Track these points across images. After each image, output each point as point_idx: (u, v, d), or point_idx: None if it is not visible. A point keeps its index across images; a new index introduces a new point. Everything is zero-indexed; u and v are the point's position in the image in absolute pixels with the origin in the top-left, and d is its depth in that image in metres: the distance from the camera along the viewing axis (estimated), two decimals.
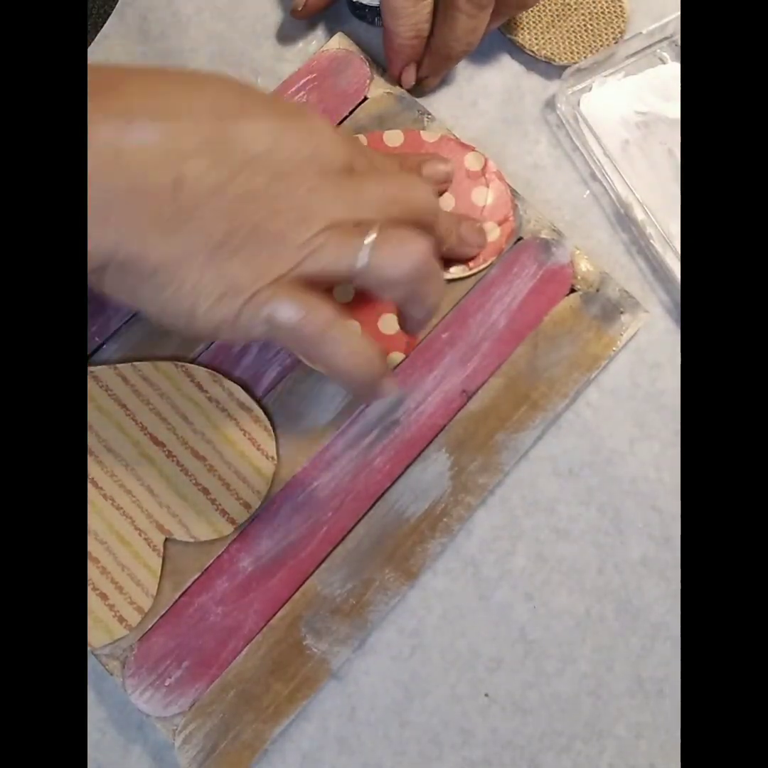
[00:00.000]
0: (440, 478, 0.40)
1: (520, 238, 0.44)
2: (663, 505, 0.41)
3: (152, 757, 0.39)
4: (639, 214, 0.44)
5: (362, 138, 0.44)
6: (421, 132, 0.44)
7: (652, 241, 0.44)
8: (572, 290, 0.43)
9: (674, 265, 0.43)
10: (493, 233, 0.43)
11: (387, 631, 0.40)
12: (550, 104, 0.47)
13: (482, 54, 0.48)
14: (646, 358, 0.43)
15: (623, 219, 0.45)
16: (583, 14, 0.46)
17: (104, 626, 0.38)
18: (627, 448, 0.42)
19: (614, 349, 0.42)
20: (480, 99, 0.47)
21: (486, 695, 0.39)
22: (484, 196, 0.44)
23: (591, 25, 0.46)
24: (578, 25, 0.46)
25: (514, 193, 0.44)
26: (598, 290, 0.43)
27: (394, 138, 0.44)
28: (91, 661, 0.39)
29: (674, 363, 0.43)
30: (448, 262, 0.43)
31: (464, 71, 0.48)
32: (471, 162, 0.44)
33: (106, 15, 0.48)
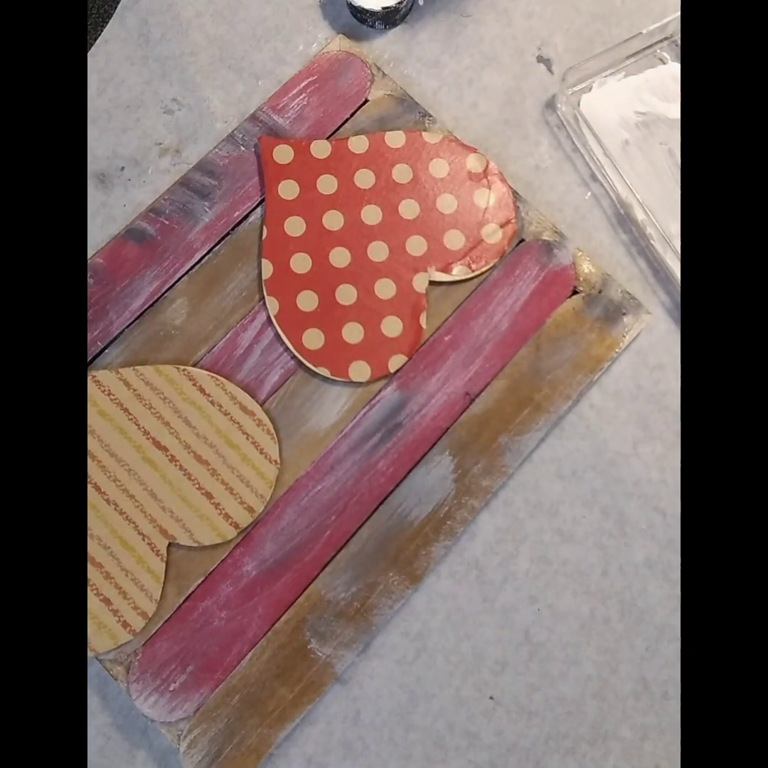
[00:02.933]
0: (444, 481, 0.40)
1: (521, 240, 0.44)
2: (666, 506, 0.41)
3: (157, 762, 0.39)
4: (639, 215, 0.44)
5: (364, 139, 0.44)
6: (423, 133, 0.44)
7: (652, 241, 0.44)
8: (574, 292, 0.43)
9: (675, 266, 0.43)
10: (496, 235, 0.43)
11: (391, 635, 0.40)
12: (551, 105, 0.47)
13: (482, 56, 0.48)
14: (648, 360, 0.43)
15: (624, 220, 0.45)
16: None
17: (108, 631, 0.38)
18: (630, 450, 0.42)
19: (617, 350, 0.42)
20: (481, 100, 0.47)
21: (491, 698, 0.39)
22: (486, 198, 0.43)
23: None
24: None
25: (515, 195, 0.44)
26: (600, 292, 0.43)
27: (395, 139, 0.44)
28: (96, 667, 0.39)
29: (676, 364, 0.43)
30: (450, 263, 0.43)
31: (465, 73, 0.47)
32: (473, 163, 0.44)
33: (107, 15, 0.48)
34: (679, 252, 0.43)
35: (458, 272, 0.43)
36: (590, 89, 0.46)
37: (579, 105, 0.46)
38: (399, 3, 0.45)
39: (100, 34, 0.48)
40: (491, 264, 0.43)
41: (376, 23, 0.47)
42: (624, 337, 0.42)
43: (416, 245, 0.43)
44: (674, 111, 0.46)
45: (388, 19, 0.47)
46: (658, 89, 0.47)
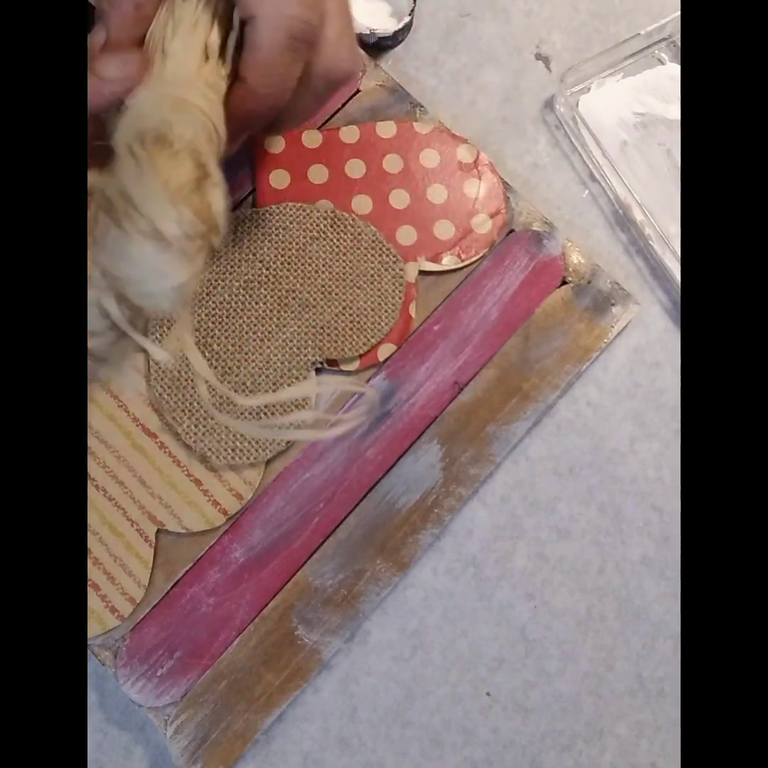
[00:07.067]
0: (432, 470, 0.40)
1: (511, 230, 0.44)
2: (663, 504, 0.42)
3: (154, 758, 0.39)
4: (638, 215, 0.44)
5: (355, 129, 0.44)
6: (414, 123, 0.44)
7: (651, 241, 0.44)
8: (564, 282, 0.43)
9: (673, 266, 0.43)
10: (485, 225, 0.43)
11: (388, 632, 0.40)
12: (549, 104, 0.47)
13: (480, 53, 0.48)
14: (646, 358, 0.43)
15: (622, 219, 0.45)
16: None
17: (96, 617, 0.38)
18: (627, 448, 0.42)
19: (605, 340, 0.42)
20: (479, 98, 0.47)
21: (487, 694, 0.39)
22: (476, 188, 0.44)
23: None
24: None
25: (506, 186, 0.44)
26: (589, 282, 0.43)
27: (387, 129, 0.44)
28: (93, 663, 0.39)
29: (673, 362, 0.43)
30: (439, 253, 0.43)
31: (463, 71, 0.47)
32: (463, 154, 0.44)
33: None
34: (678, 252, 0.43)
35: (448, 262, 0.43)
36: (589, 90, 0.46)
37: (577, 105, 0.46)
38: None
39: None
40: (481, 254, 0.43)
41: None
42: (613, 327, 0.42)
43: (406, 235, 0.43)
44: (673, 112, 0.46)
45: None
46: (657, 90, 0.47)
